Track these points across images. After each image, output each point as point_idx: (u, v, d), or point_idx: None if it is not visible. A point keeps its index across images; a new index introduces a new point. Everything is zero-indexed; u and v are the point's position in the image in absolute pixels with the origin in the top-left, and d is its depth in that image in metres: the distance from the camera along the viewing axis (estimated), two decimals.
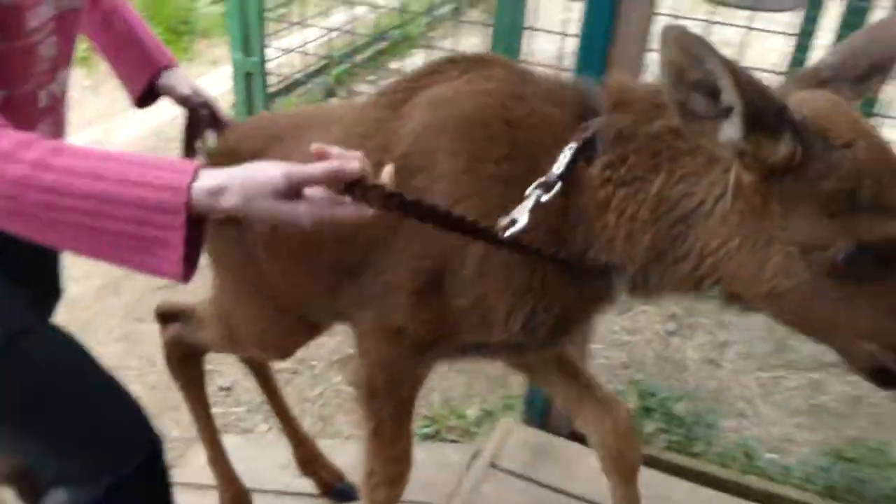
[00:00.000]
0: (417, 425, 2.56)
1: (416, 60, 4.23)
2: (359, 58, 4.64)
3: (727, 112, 1.01)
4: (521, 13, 2.63)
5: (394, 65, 4.80)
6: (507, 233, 1.16)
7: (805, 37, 2.12)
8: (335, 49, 4.42)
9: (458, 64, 1.37)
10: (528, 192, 1.19)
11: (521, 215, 1.17)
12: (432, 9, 5.13)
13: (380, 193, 1.06)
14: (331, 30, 4.11)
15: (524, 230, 1.16)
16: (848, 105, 1.11)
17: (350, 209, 1.07)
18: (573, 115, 1.26)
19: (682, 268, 1.18)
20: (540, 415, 2.15)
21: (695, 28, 1.03)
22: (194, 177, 1.03)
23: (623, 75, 1.34)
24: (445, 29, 4.95)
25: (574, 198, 1.22)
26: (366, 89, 4.46)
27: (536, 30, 2.80)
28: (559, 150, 1.21)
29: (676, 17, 2.47)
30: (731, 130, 1.02)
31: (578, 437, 2.14)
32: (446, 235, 1.16)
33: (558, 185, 1.19)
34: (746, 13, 2.42)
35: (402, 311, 1.37)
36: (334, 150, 1.07)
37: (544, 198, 1.19)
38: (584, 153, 1.21)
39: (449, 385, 2.75)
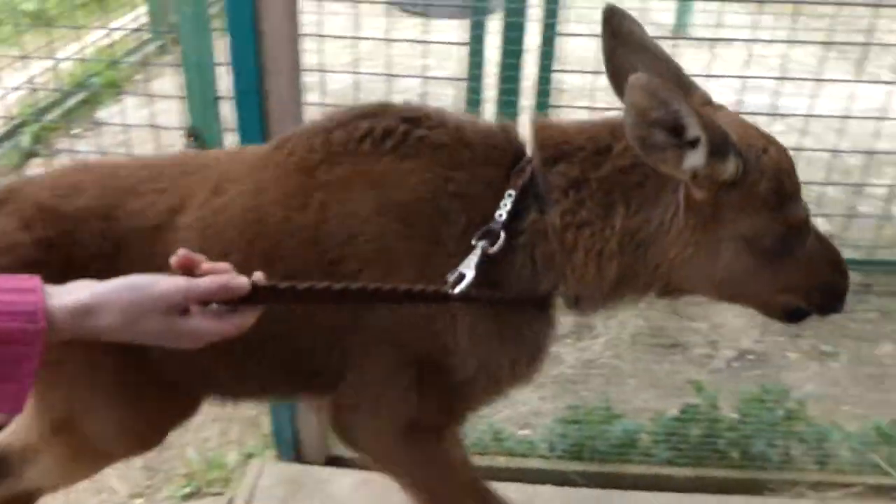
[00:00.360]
0: (175, 487, 2.41)
1: (124, 107, 3.99)
2: (58, 111, 4.29)
3: (693, 144, 1.20)
4: (209, 50, 2.59)
5: (102, 114, 4.50)
6: (458, 289, 1.20)
7: (475, 45, 2.28)
8: (29, 105, 4.05)
9: (378, 120, 1.33)
10: (473, 242, 1.25)
11: (468, 269, 1.22)
12: (135, 51, 4.88)
13: (293, 291, 1.06)
14: (15, 88, 3.76)
15: (473, 283, 1.21)
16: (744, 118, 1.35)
17: (248, 317, 1.03)
18: (507, 168, 1.33)
19: (642, 281, 1.36)
20: (292, 447, 2.12)
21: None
22: (44, 295, 0.89)
23: (543, 118, 1.43)
24: (152, 70, 4.73)
25: (536, 245, 1.30)
26: (70, 146, 4.15)
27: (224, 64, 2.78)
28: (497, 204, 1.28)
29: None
30: (695, 158, 1.21)
31: (334, 462, 2.15)
32: (421, 319, 1.23)
33: (503, 236, 1.26)
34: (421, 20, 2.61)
35: (410, 410, 1.36)
36: (198, 257, 1.02)
37: (491, 249, 1.25)
38: (534, 203, 1.30)
39: (204, 436, 2.63)
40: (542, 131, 1.36)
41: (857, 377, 2.99)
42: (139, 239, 1.30)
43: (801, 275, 1.37)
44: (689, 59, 2.51)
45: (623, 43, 1.38)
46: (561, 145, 1.33)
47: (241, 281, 1.01)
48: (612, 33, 1.39)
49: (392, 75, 2.50)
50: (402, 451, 1.43)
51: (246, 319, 1.04)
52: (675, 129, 1.20)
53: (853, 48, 2.51)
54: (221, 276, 1.01)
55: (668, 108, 1.16)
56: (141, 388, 1.38)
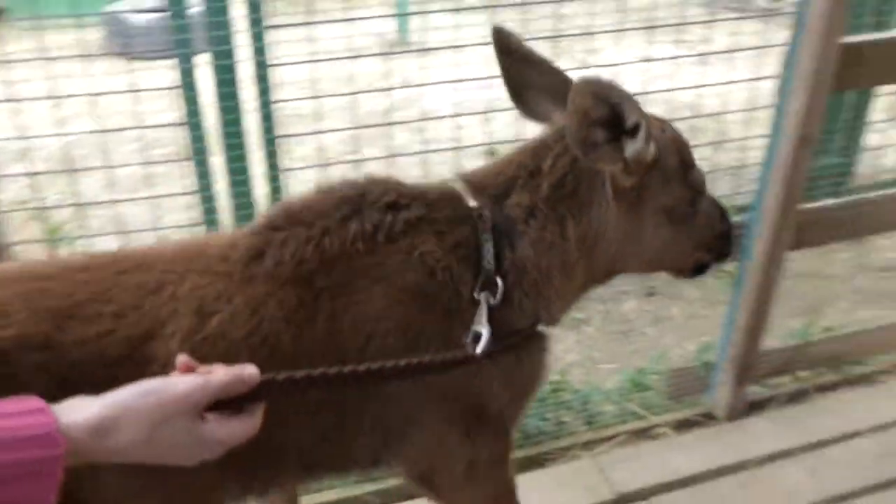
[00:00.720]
0: None
1: None
2: None
3: (633, 132, 1.32)
4: None
5: None
6: (479, 348, 1.25)
7: (187, 87, 2.19)
8: None
9: (364, 215, 1.31)
10: (475, 296, 1.30)
11: (482, 327, 1.27)
12: None
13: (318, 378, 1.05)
14: None
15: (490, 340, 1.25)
16: None
17: (258, 413, 0.97)
18: (472, 221, 1.35)
19: (599, 275, 1.50)
20: None
21: None
22: (54, 414, 0.77)
23: (463, 171, 1.48)
24: None
25: (520, 279, 1.36)
26: None
27: None
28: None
29: None
30: (635, 144, 1.34)
31: None
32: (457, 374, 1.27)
33: (500, 283, 1.32)
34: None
35: (475, 452, 1.41)
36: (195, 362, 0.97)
37: (493, 301, 1.30)
38: (505, 242, 1.35)
39: None
40: (473, 179, 1.43)
41: (608, 336, 3.30)
42: (92, 375, 1.09)
43: (705, 231, 1.55)
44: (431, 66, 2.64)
45: (515, 58, 1.48)
46: (499, 184, 1.41)
47: (253, 370, 0.96)
48: (504, 51, 1.48)
49: (104, 131, 2.35)
50: (481, 492, 1.49)
51: (258, 416, 0.97)
52: (614, 124, 1.32)
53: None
54: (233, 367, 0.95)
55: (610, 102, 1.28)
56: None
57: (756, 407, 2.58)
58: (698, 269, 1.63)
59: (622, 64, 2.47)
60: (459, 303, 1.32)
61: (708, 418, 2.61)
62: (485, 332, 1.27)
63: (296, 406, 1.22)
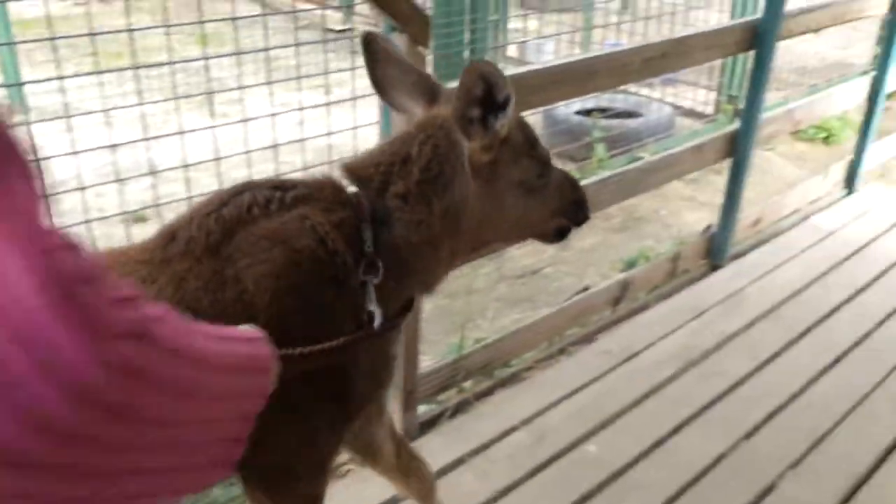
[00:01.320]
0: None
1: None
2: None
3: (503, 105, 1.50)
4: None
5: None
6: (377, 324, 1.42)
7: None
8: None
9: (255, 191, 1.44)
10: (361, 278, 1.43)
11: (373, 306, 1.43)
12: None
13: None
14: None
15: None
16: None
17: None
18: (351, 206, 1.49)
19: (465, 248, 1.65)
20: None
21: None
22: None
23: (345, 160, 1.60)
24: None
25: (395, 259, 1.48)
26: None
27: None
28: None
29: None
30: (502, 118, 1.52)
31: None
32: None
33: (380, 263, 1.44)
34: None
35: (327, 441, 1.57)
36: None
37: (376, 280, 1.43)
38: (380, 226, 1.48)
39: None
40: (352, 169, 1.56)
41: None
42: None
43: (559, 197, 1.72)
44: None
45: (380, 61, 1.65)
46: (378, 174, 1.53)
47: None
48: (372, 55, 1.64)
49: None
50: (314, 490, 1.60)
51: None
52: (487, 101, 1.49)
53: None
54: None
55: (489, 81, 1.46)
56: None
57: (428, 425, 2.80)
58: (560, 234, 1.80)
59: (267, 115, 2.54)
60: (347, 278, 1.44)
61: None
62: (377, 311, 1.43)
63: None
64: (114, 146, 2.27)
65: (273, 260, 1.37)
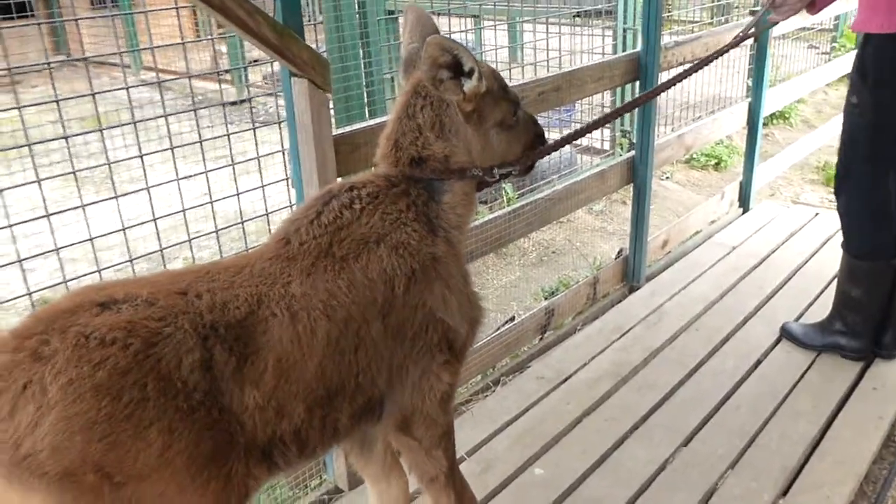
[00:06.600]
0: None
1: None
2: None
3: (469, 73, 1.78)
4: None
5: None
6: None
7: None
8: None
9: (337, 197, 1.77)
10: (441, 236, 1.84)
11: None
12: None
13: None
14: None
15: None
16: None
17: None
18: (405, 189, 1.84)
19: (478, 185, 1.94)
20: None
21: None
22: None
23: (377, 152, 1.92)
24: None
25: (445, 217, 1.85)
26: None
27: None
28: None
29: None
30: (471, 82, 1.79)
31: None
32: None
33: (444, 224, 1.84)
34: None
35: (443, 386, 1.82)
36: None
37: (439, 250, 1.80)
38: (431, 199, 1.83)
39: None
40: (387, 155, 1.86)
41: None
42: (230, 328, 1.47)
43: (528, 132, 2.01)
44: None
45: (420, 38, 1.87)
46: (406, 151, 1.83)
47: None
48: (417, 30, 1.93)
49: None
50: (445, 426, 1.91)
51: None
52: (454, 67, 1.77)
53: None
54: None
55: (452, 53, 1.74)
56: (216, 453, 1.41)
57: None
58: (530, 169, 2.10)
59: (163, 183, 2.46)
60: (435, 250, 1.76)
61: (335, 493, 2.69)
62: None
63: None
64: (10, 226, 2.17)
65: (382, 257, 1.68)
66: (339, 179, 2.32)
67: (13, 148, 2.40)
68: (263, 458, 1.51)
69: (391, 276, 1.68)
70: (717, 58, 2.64)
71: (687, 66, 2.94)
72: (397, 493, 2.14)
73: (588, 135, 2.30)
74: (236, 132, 2.65)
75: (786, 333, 3.54)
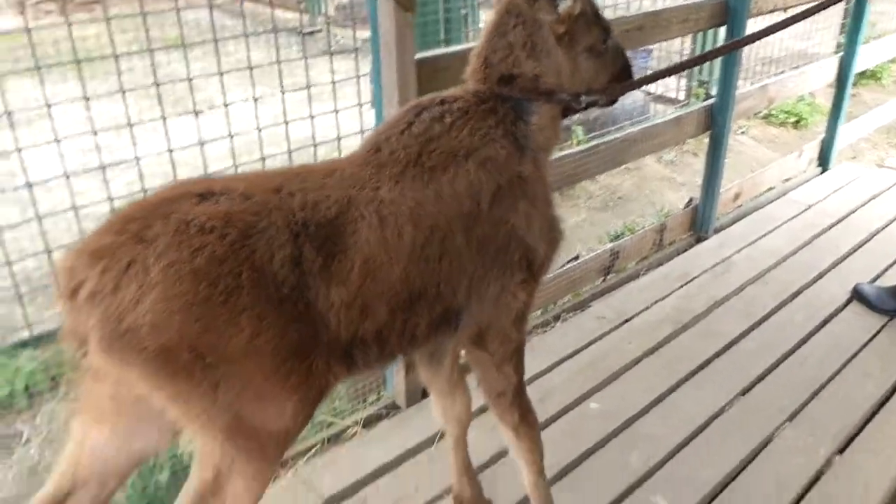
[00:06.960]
0: None
1: None
2: None
3: None
4: None
5: None
6: None
7: None
8: None
9: (428, 110, 1.77)
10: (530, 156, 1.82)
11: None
12: None
13: None
14: None
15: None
16: None
17: None
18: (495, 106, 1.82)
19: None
20: None
21: None
22: None
23: (467, 69, 1.90)
24: None
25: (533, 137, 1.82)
26: None
27: None
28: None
29: None
30: (565, 3, 1.80)
31: None
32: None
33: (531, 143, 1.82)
34: None
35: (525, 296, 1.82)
36: None
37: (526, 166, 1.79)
38: (520, 114, 1.81)
39: None
40: (477, 72, 1.85)
41: None
42: (320, 227, 1.49)
43: (616, 62, 1.99)
44: None
45: None
46: (497, 68, 1.82)
47: None
48: None
49: None
50: (518, 339, 1.90)
51: None
52: None
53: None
54: None
55: None
56: (300, 346, 1.44)
57: None
58: (614, 101, 2.07)
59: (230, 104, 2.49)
60: (521, 169, 1.76)
61: (393, 408, 2.75)
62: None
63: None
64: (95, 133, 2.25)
65: (469, 171, 1.69)
66: None
67: (98, 59, 2.42)
68: (344, 356, 1.54)
69: (477, 190, 1.68)
70: (821, 10, 2.39)
71: (778, 13, 2.81)
72: (460, 411, 2.18)
73: (664, 82, 2.23)
74: (313, 55, 2.66)
75: (858, 295, 3.45)
